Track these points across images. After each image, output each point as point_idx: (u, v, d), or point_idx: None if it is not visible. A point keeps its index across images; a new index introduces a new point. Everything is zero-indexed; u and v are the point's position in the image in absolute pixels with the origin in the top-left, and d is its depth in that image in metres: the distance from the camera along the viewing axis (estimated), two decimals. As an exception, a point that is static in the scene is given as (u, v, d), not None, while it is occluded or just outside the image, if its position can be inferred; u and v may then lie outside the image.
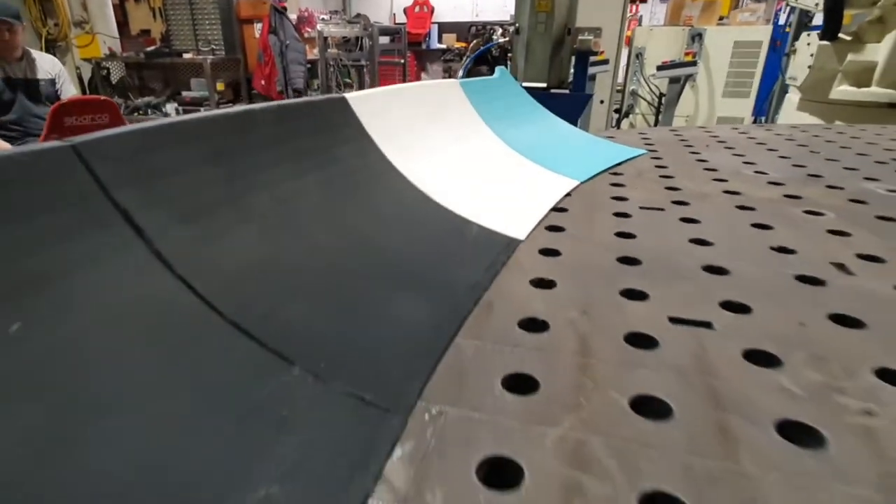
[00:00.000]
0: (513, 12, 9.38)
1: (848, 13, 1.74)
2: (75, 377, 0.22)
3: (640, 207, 0.62)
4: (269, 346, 0.28)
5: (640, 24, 5.13)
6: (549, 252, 0.49)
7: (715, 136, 1.08)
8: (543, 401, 0.29)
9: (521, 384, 0.30)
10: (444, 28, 13.41)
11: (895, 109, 1.65)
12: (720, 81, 3.48)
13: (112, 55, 7.32)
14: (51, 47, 7.48)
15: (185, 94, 7.01)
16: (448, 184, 0.55)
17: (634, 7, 10.50)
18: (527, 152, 0.73)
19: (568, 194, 0.67)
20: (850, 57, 1.70)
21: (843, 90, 1.72)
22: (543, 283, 0.43)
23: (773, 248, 0.50)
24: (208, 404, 0.24)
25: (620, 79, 4.34)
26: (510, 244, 0.50)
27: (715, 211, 0.61)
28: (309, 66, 7.85)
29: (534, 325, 0.37)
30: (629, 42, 4.00)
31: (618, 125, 4.04)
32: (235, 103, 7.65)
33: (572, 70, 2.18)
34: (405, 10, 13.79)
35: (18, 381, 0.20)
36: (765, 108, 3.68)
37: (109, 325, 0.24)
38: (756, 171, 0.80)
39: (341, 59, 9.97)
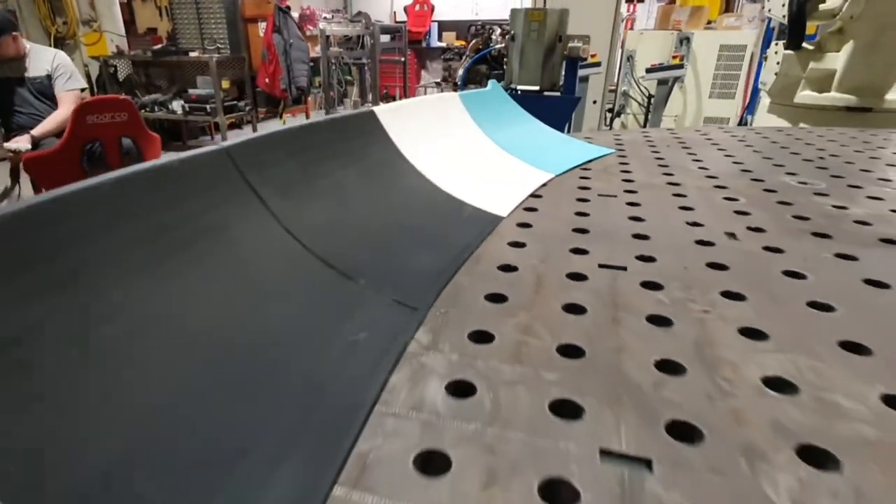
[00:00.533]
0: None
1: (812, 24, 1.92)
2: (252, 278, 0.40)
3: (598, 195, 0.80)
4: (342, 271, 0.46)
5: (632, 28, 5.29)
6: (523, 225, 0.67)
7: (678, 138, 1.26)
8: (510, 306, 0.47)
9: (496, 298, 0.48)
10: (444, 26, 13.56)
11: (852, 112, 1.83)
12: (707, 83, 3.65)
13: (120, 53, 7.47)
14: (59, 45, 7.62)
15: (191, 91, 7.17)
16: (449, 174, 0.73)
17: (632, 6, 10.67)
18: (512, 150, 0.91)
19: (544, 184, 0.85)
20: (812, 65, 1.88)
21: (805, 95, 1.90)
22: (517, 245, 0.61)
23: (688, 223, 0.68)
24: (315, 300, 0.42)
25: (615, 80, 4.52)
26: (495, 220, 0.68)
27: (655, 197, 0.79)
28: (311, 64, 8.00)
29: (507, 268, 0.55)
30: (623, 44, 4.19)
31: (610, 124, 4.21)
32: (240, 101, 7.81)
33: (563, 74, 2.36)
34: (405, 9, 13.92)
35: (231, 274, 0.38)
36: (754, 108, 3.86)
37: (256, 253, 0.42)
38: (700, 167, 0.98)
39: (343, 58, 10.13)
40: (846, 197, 0.80)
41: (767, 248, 0.60)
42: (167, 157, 0.40)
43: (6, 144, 3.59)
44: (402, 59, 10.30)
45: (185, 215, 0.38)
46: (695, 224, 0.68)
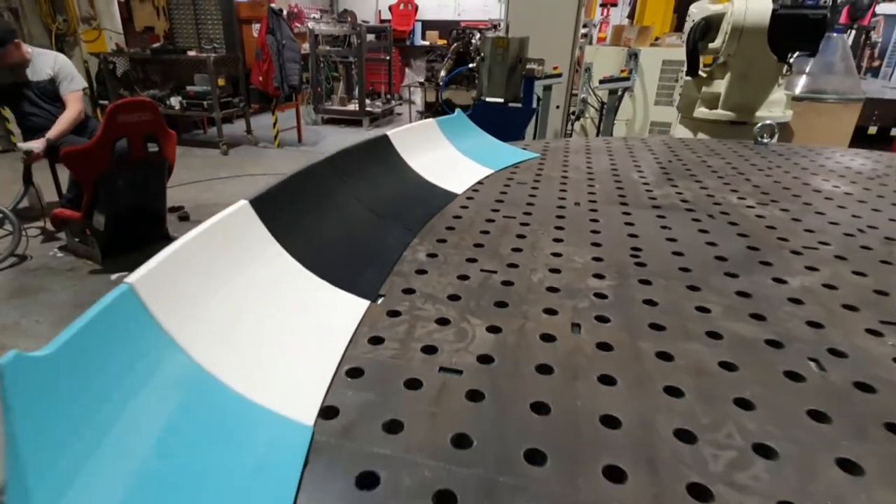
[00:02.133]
0: (492, 14, 10.19)
1: (706, 57, 2.51)
2: (354, 216, 0.94)
3: (517, 182, 1.35)
4: (380, 215, 1.01)
5: (590, 43, 5.86)
6: (469, 197, 1.22)
7: (586, 146, 1.82)
8: (457, 231, 1.02)
9: (450, 229, 1.03)
10: (428, 25, 14.04)
11: (735, 125, 2.42)
12: (652, 92, 4.24)
13: (120, 50, 7.83)
14: (60, 42, 7.96)
15: (189, 88, 7.57)
16: (430, 170, 1.28)
17: (605, 11, 11.24)
18: (469, 155, 1.46)
19: (487, 176, 1.39)
20: (704, 88, 2.47)
21: (701, 111, 2.49)
22: (464, 206, 1.16)
23: (560, 198, 1.23)
24: (376, 224, 0.97)
25: (578, 88, 5.11)
26: (454, 195, 1.22)
27: (550, 184, 1.35)
28: (302, 63, 8.43)
29: (458, 219, 1.10)
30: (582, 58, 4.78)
31: (571, 127, 4.81)
32: (234, 97, 8.22)
33: (523, 89, 2.91)
34: (390, 8, 14.36)
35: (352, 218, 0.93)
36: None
37: (343, 218, 0.97)
38: (587, 165, 1.53)
39: (330, 56, 10.56)
40: (659, 184, 1.36)
41: (593, 211, 1.16)
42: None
43: (20, 144, 4.02)
44: (388, 57, 10.77)
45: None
46: (563, 198, 1.23)
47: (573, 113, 4.78)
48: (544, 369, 0.60)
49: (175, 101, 7.63)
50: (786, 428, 0.52)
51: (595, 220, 1.09)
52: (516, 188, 1.30)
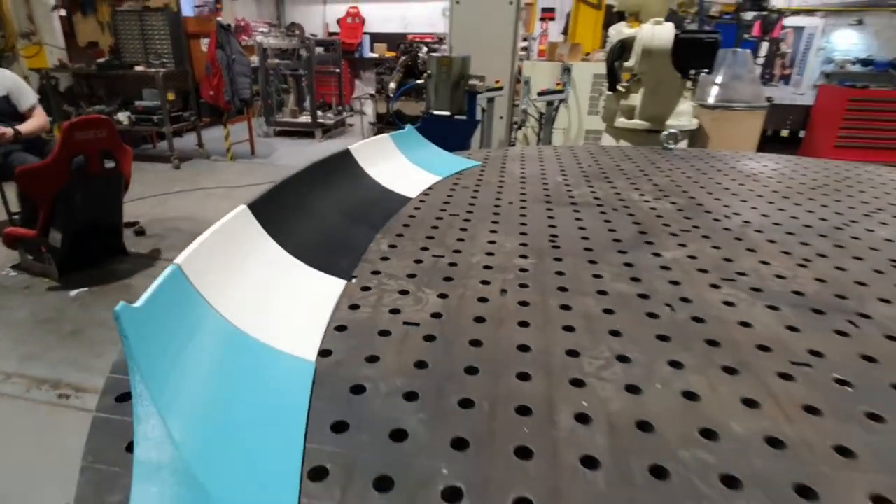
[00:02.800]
0: (438, 27, 10.51)
1: (625, 74, 2.83)
2: (340, 210, 1.14)
3: (462, 187, 1.58)
4: (351, 217, 1.21)
5: (528, 59, 6.22)
6: (421, 200, 1.43)
7: (521, 155, 2.08)
8: (412, 229, 1.23)
9: (407, 230, 1.24)
10: (376, 38, 14.24)
11: (649, 133, 2.74)
12: (585, 103, 4.60)
13: (63, 66, 7.65)
14: (-2, 57, 7.68)
15: (137, 103, 7.48)
16: (387, 177, 1.48)
17: (544, 24, 11.76)
18: (419, 164, 1.67)
19: (435, 182, 1.61)
20: (623, 101, 2.78)
21: (620, 121, 2.80)
22: (417, 208, 1.37)
23: (497, 196, 1.47)
24: (349, 221, 1.17)
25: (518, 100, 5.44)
26: (408, 199, 1.44)
27: (488, 188, 1.58)
28: (253, 77, 8.46)
29: (412, 218, 1.31)
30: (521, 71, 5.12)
31: (515, 136, 5.13)
32: (185, 111, 8.15)
33: (466, 103, 3.16)
34: (338, 21, 14.46)
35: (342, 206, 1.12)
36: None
37: (320, 219, 1.17)
38: (521, 171, 1.78)
39: (280, 69, 10.57)
40: (578, 185, 1.62)
41: (523, 209, 1.40)
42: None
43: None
44: (337, 70, 10.89)
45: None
46: (499, 199, 1.47)
47: (516, 122, 5.10)
48: (479, 320, 0.82)
49: (123, 117, 7.51)
50: (640, 346, 0.76)
51: (524, 216, 1.33)
52: (460, 192, 1.53)
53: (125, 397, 0.63)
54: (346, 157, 1.42)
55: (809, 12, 15.43)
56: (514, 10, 4.40)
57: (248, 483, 0.50)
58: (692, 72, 2.58)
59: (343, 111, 11.33)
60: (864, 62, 14.93)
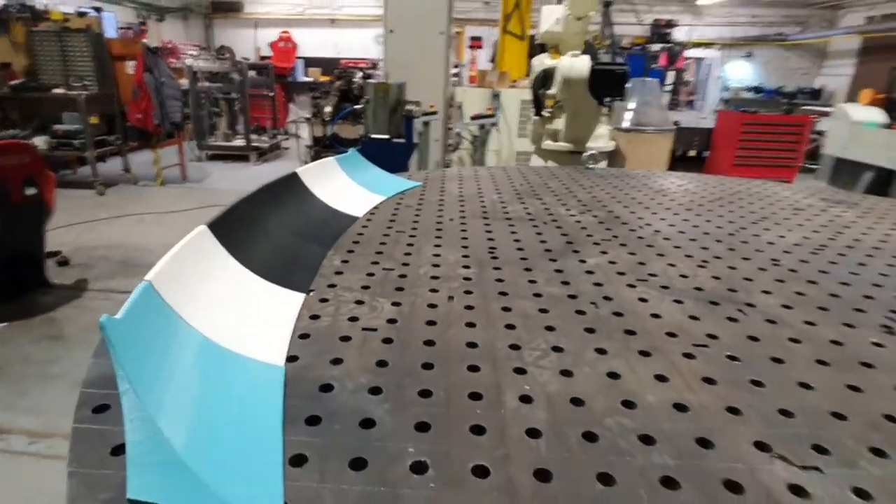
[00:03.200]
0: (371, 53, 10.62)
1: (550, 101, 3.03)
2: (296, 224, 1.18)
3: (405, 206, 1.66)
4: (304, 237, 1.26)
5: (459, 85, 6.47)
6: (368, 219, 1.50)
7: (459, 176, 2.19)
8: (363, 244, 1.29)
9: (356, 243, 1.30)
10: (310, 62, 14.18)
11: (572, 154, 2.95)
12: (515, 126, 4.83)
13: (-29, 88, 7.10)
14: None
15: (57, 127, 7.05)
16: (334, 198, 1.54)
17: (473, 52, 12.14)
18: (363, 185, 1.74)
19: (381, 202, 1.68)
20: (547, 125, 2.98)
21: (547, 143, 3.00)
22: (364, 226, 1.43)
23: (438, 212, 1.56)
24: (303, 241, 1.21)
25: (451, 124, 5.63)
26: (356, 218, 1.50)
27: (430, 205, 1.67)
28: (184, 100, 8.20)
29: (361, 235, 1.37)
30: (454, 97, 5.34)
31: (450, 158, 5.31)
32: (109, 135, 7.76)
33: (404, 127, 3.26)
34: (270, 45, 14.29)
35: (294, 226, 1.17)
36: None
37: (274, 238, 1.21)
38: (459, 190, 1.89)
39: (212, 92, 10.30)
40: (512, 202, 1.74)
41: (463, 224, 1.49)
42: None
43: None
44: (271, 93, 10.73)
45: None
46: (441, 216, 1.56)
47: (450, 145, 5.27)
48: (431, 323, 0.90)
49: (41, 141, 7.03)
50: (570, 338, 0.86)
51: (464, 231, 1.43)
52: (404, 210, 1.61)
53: (102, 408, 0.66)
54: (294, 179, 1.47)
55: (707, 45, 16.94)
56: (445, 39, 4.58)
57: (237, 472, 0.55)
58: (607, 99, 2.81)
59: (278, 135, 11.16)
60: (755, 89, 16.55)
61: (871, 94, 11.58)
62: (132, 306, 0.65)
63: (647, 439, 0.63)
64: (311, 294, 1.00)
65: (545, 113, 3.00)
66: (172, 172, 8.33)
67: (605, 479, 0.57)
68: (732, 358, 0.82)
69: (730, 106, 12.85)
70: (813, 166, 8.46)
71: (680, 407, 0.70)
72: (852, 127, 2.81)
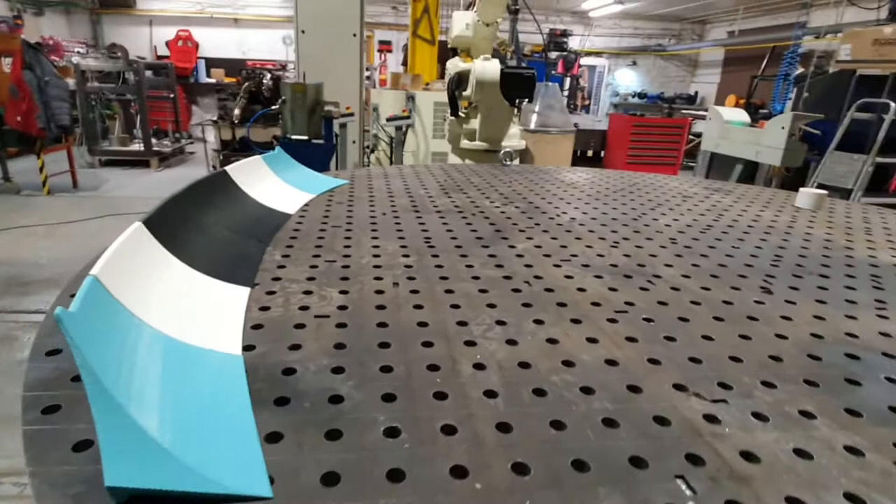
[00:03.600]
0: (278, 55, 10.23)
1: (465, 102, 3.12)
2: (234, 221, 1.15)
3: (336, 202, 1.66)
4: (240, 234, 1.22)
5: (374, 86, 6.44)
6: (302, 215, 1.48)
7: (385, 173, 2.21)
8: (301, 238, 1.28)
9: (294, 237, 1.29)
10: (213, 63, 13.39)
11: (488, 153, 3.06)
12: (430, 128, 4.91)
13: None
14: None
15: (-85, 130, 6.13)
16: (266, 196, 1.51)
17: (383, 56, 12.09)
18: (292, 183, 1.71)
19: (310, 200, 1.67)
20: (465, 125, 3.08)
21: (464, 143, 3.10)
22: (299, 222, 1.42)
23: (371, 208, 1.57)
24: (242, 238, 1.18)
25: (368, 125, 5.60)
26: (288, 215, 1.48)
27: (361, 201, 1.68)
28: (72, 101, 7.45)
29: (297, 230, 1.36)
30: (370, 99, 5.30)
31: (368, 158, 5.28)
32: (-17, 139, 6.86)
33: (323, 128, 3.21)
34: (167, 43, 13.32)
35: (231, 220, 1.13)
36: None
37: (210, 235, 1.17)
38: (387, 187, 1.91)
39: (104, 93, 9.44)
40: (440, 197, 1.80)
41: (396, 218, 1.52)
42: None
43: None
44: (172, 95, 10.02)
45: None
46: (374, 211, 1.58)
47: (368, 146, 5.25)
48: (380, 307, 0.93)
49: None
50: (511, 313, 0.93)
51: (398, 223, 1.46)
52: (336, 206, 1.61)
53: (52, 409, 0.62)
54: (224, 176, 1.42)
55: (598, 54, 18.14)
56: (359, 42, 4.56)
57: (216, 454, 0.55)
58: (517, 100, 2.96)
59: (181, 138, 10.44)
60: (640, 95, 17.97)
61: (734, 99, 13.04)
62: (83, 300, 0.62)
63: (587, 390, 0.71)
64: (257, 287, 0.99)
65: (461, 114, 3.09)
66: (62, 180, 7.54)
67: (557, 425, 0.63)
68: (648, 320, 0.93)
69: (619, 110, 13.87)
70: (692, 164, 9.37)
71: (610, 362, 0.78)
72: (724, 126, 3.20)
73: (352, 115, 4.54)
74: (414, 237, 1.34)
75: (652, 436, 0.62)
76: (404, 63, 6.74)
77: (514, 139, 3.12)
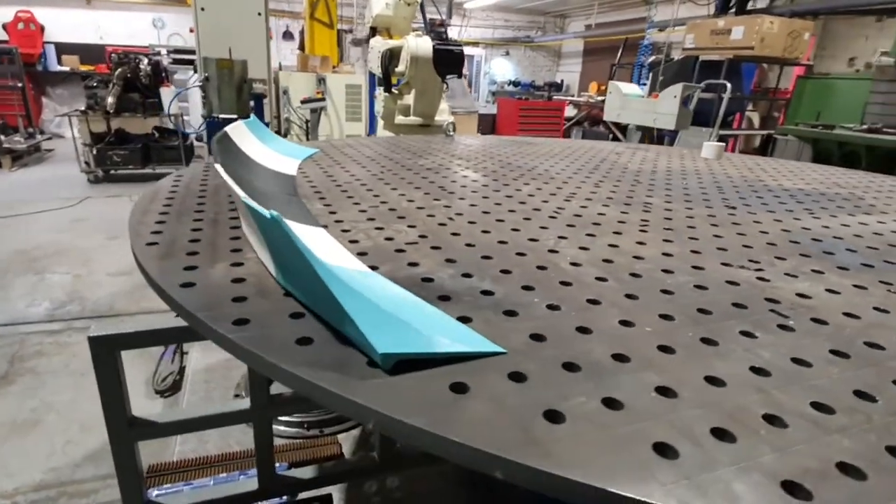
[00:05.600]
0: (141, 40, 9.20)
1: (394, 78, 3.15)
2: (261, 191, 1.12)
3: (327, 165, 1.65)
4: (287, 193, 1.20)
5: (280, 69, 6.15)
6: (305, 176, 1.47)
7: (350, 144, 2.21)
8: (328, 194, 1.29)
9: (319, 195, 1.29)
10: (64, 49, 11.62)
11: (423, 127, 3.14)
12: (342, 110, 4.83)
13: None
14: None
15: None
16: (264, 160, 1.47)
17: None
18: (275, 149, 1.67)
19: (298, 165, 1.64)
20: (398, 101, 3.13)
21: (399, 118, 3.14)
22: (309, 181, 1.41)
23: (350, 176, 1.60)
24: (286, 196, 1.16)
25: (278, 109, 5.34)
26: (292, 176, 1.46)
27: (345, 161, 1.69)
28: None
29: (314, 186, 1.35)
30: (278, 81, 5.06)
31: (279, 142, 5.09)
32: None
33: (252, 106, 3.05)
34: (5, 27, 11.31)
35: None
36: (374, 126, 5.34)
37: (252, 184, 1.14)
38: (353, 154, 1.93)
39: (-74, 82, 7.86)
40: (419, 158, 1.86)
41: (399, 175, 1.57)
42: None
43: None
44: (20, 84, 8.57)
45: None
46: (366, 168, 1.60)
47: (278, 131, 5.01)
48: (455, 234, 1.00)
49: None
50: (562, 231, 1.06)
51: (404, 178, 1.51)
52: (331, 168, 1.61)
53: (241, 322, 0.63)
54: (227, 138, 1.36)
55: (475, 44, 18.79)
56: (264, 21, 4.34)
57: (441, 329, 0.61)
58: (449, 76, 3.07)
59: (36, 133, 9.02)
60: (514, 83, 18.99)
61: (596, 85, 14.34)
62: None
63: (666, 271, 0.86)
64: (327, 228, 1.01)
65: (395, 90, 3.13)
66: None
67: (666, 292, 0.78)
68: (668, 229, 1.11)
69: (498, 96, 14.56)
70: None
71: (666, 254, 0.95)
72: (623, 98, 3.64)
73: (264, 96, 4.32)
74: (428, 187, 1.41)
75: (733, 291, 0.79)
76: (301, 48, 6.48)
77: (444, 114, 3.23)
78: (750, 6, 8.03)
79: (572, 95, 14.55)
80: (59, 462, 2.06)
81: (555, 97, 14.75)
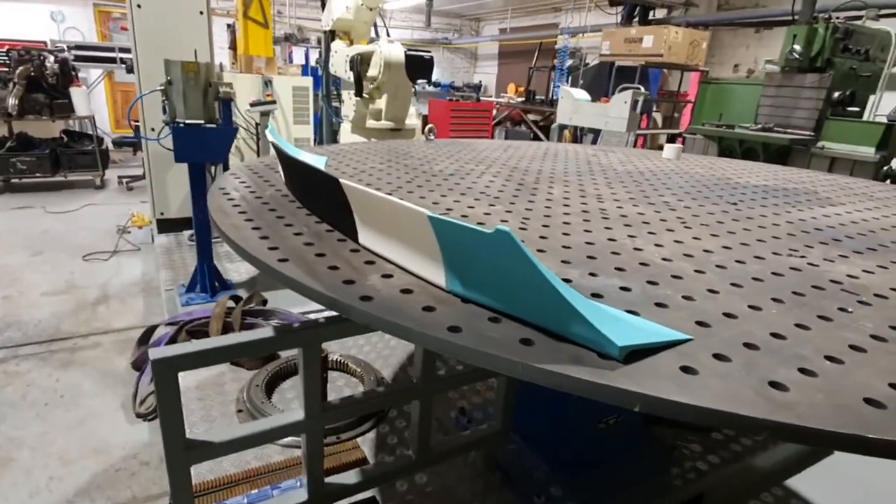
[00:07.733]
0: (33, 35, 8.30)
1: (366, 82, 3.13)
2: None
3: (345, 168, 1.64)
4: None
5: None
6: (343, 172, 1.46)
7: (340, 150, 2.18)
8: (372, 182, 1.30)
9: (362, 182, 1.30)
10: (-69, 43, 9.97)
11: (394, 131, 3.15)
12: (290, 113, 4.67)
13: None
14: None
15: None
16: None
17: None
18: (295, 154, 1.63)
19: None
20: (370, 106, 3.11)
21: (370, 123, 3.13)
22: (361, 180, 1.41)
23: (358, 173, 1.62)
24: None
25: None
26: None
27: (343, 160, 1.69)
28: None
29: (370, 185, 1.35)
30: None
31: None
32: None
33: (220, 111, 2.89)
34: None
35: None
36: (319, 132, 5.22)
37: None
38: (367, 158, 1.92)
39: None
40: (436, 163, 1.90)
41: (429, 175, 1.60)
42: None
43: None
44: None
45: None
46: (396, 170, 1.62)
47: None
48: (545, 226, 1.07)
49: None
50: (629, 230, 1.16)
51: (448, 180, 1.55)
52: (349, 168, 1.61)
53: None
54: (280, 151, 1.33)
55: (394, 45, 18.72)
56: (206, 20, 4.09)
57: (632, 321, 0.68)
58: (419, 81, 3.11)
59: None
60: (435, 84, 19.18)
61: (514, 87, 14.89)
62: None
63: (740, 262, 0.99)
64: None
65: (366, 94, 3.11)
66: None
67: (756, 275, 0.91)
68: (704, 225, 1.26)
69: (420, 98, 14.65)
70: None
71: (726, 247, 1.08)
72: (575, 102, 3.87)
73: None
74: (465, 191, 1.46)
75: (801, 276, 0.94)
76: (231, 46, 6.14)
77: (413, 118, 3.27)
78: (651, 17, 8.79)
79: (490, 96, 15.01)
80: (47, 500, 1.86)
81: (482, 98, 15.12)
